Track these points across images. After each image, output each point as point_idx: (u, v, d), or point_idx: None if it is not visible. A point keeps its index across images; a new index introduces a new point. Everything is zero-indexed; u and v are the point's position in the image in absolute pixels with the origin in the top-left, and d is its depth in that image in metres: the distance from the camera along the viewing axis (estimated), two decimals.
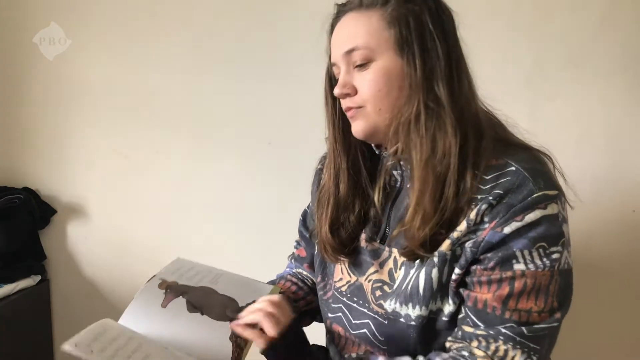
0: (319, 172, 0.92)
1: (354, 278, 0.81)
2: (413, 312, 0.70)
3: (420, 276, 0.70)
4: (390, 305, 0.73)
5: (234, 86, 1.56)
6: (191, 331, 0.78)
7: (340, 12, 0.75)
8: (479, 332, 0.67)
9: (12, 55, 1.65)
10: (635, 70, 1.32)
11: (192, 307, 0.80)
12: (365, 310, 0.77)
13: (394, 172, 0.78)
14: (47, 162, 1.69)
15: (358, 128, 0.74)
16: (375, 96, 0.71)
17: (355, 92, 0.73)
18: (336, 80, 0.76)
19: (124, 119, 1.63)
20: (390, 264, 0.75)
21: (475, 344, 0.67)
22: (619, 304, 1.41)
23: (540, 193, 0.65)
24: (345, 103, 0.75)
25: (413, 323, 0.71)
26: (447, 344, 0.71)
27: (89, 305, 1.73)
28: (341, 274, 0.83)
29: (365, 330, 0.77)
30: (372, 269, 0.77)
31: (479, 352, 0.66)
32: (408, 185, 0.74)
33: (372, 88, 0.71)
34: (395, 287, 0.73)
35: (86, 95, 1.64)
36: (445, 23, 0.71)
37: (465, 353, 0.67)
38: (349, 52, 0.72)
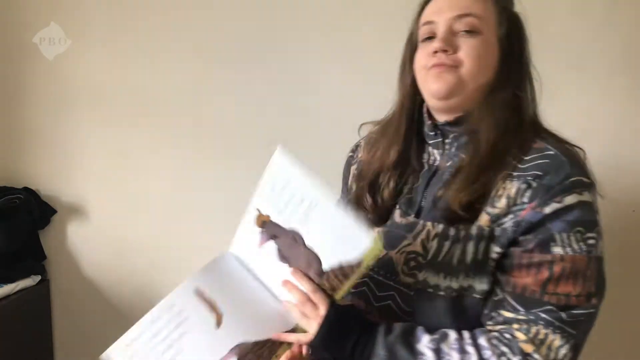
0: (349, 159, 0.97)
1: (383, 252, 0.81)
2: (443, 282, 0.72)
3: (454, 248, 0.72)
4: (422, 274, 0.74)
5: (234, 86, 1.56)
6: (278, 281, 0.77)
7: None
8: (519, 316, 0.69)
9: (12, 55, 1.65)
10: (636, 70, 1.32)
11: (282, 256, 0.78)
12: (391, 282, 0.78)
13: (435, 152, 0.83)
14: (47, 162, 1.69)
15: (443, 84, 0.76)
16: (474, 61, 0.75)
17: (455, 51, 0.76)
18: (427, 39, 0.79)
19: (124, 119, 1.63)
20: (423, 235, 0.77)
21: (516, 326, 0.68)
22: (619, 304, 1.41)
23: (577, 178, 0.68)
24: (439, 58, 0.76)
25: (442, 293, 0.72)
26: (488, 327, 0.72)
27: (89, 305, 1.73)
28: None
29: (389, 302, 0.78)
30: (405, 242, 0.79)
31: (520, 335, 0.67)
32: (448, 164, 0.80)
33: (475, 53, 0.75)
34: (429, 257, 0.75)
35: (86, 95, 1.64)
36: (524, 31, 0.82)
37: (508, 335, 0.69)
38: (461, 17, 0.76)
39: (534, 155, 0.71)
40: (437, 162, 0.82)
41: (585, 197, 0.68)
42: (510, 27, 0.79)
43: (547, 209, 0.67)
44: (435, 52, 0.76)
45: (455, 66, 0.76)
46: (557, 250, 0.67)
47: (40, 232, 1.70)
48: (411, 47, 0.85)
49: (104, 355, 0.72)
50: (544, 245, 0.68)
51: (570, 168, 0.68)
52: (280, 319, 0.77)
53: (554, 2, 1.32)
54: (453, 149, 0.81)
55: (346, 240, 0.71)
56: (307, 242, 0.75)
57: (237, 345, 0.73)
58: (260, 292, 0.80)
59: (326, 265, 0.74)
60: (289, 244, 0.77)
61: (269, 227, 0.79)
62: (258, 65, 1.54)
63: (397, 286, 0.78)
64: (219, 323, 0.74)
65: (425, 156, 0.85)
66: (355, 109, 1.48)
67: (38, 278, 1.65)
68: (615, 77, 1.31)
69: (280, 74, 1.53)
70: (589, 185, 0.69)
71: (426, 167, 0.84)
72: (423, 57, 0.80)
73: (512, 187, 0.70)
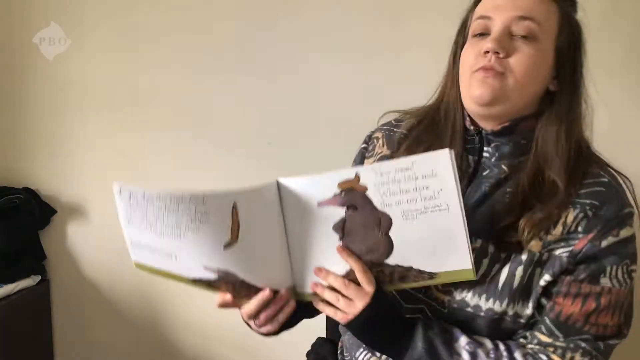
0: (363, 151, 0.91)
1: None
2: (485, 304, 0.70)
3: (502, 271, 0.70)
4: (460, 293, 0.72)
5: (234, 86, 1.55)
6: (310, 243, 0.73)
7: None
8: (557, 343, 0.69)
9: (12, 55, 1.65)
10: (636, 70, 1.32)
11: (342, 228, 0.72)
12: (421, 295, 0.75)
13: (470, 157, 0.78)
14: (47, 162, 1.69)
15: (486, 90, 0.70)
16: (526, 70, 0.70)
17: (508, 55, 0.70)
18: (478, 35, 0.74)
19: (124, 119, 1.63)
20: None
21: (551, 349, 0.69)
22: None
23: (629, 209, 0.69)
24: (489, 61, 0.70)
25: (482, 314, 0.71)
26: (522, 340, 0.72)
27: (89, 305, 1.73)
28: None
29: (419, 315, 0.75)
30: None
31: (556, 358, 0.68)
32: (485, 173, 0.76)
33: (529, 61, 0.70)
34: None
35: (86, 95, 1.64)
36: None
37: (544, 357, 0.68)
38: (521, 19, 0.70)
39: (589, 181, 0.70)
40: (471, 169, 0.78)
41: (634, 228, 0.69)
42: (570, 37, 0.74)
43: (604, 243, 0.67)
44: (487, 52, 0.70)
45: (503, 73, 0.70)
46: (605, 282, 0.68)
47: (40, 232, 1.70)
48: (462, 40, 0.79)
49: (118, 183, 0.73)
50: (595, 277, 0.68)
51: (624, 198, 0.69)
52: (277, 276, 0.75)
53: None
54: (493, 159, 0.76)
55: (446, 253, 0.69)
56: (391, 231, 0.70)
57: (226, 272, 0.71)
58: (279, 240, 0.75)
59: (398, 262, 0.70)
60: (364, 222, 0.71)
61: (353, 195, 0.71)
62: (258, 65, 1.53)
63: (428, 300, 0.75)
64: (228, 245, 0.70)
65: (458, 159, 0.78)
66: (355, 109, 1.49)
67: (38, 278, 1.65)
68: (615, 76, 1.31)
69: (280, 74, 1.53)
70: (633, 215, 0.70)
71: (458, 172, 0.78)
72: (472, 56, 0.74)
73: (569, 215, 0.68)
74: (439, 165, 0.66)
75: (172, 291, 1.64)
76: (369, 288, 0.69)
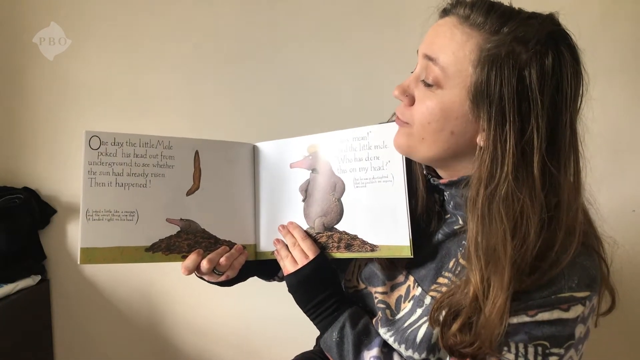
0: None
1: (362, 286, 0.80)
2: (406, 352, 0.68)
3: (422, 327, 0.67)
4: (385, 335, 0.72)
5: (233, 86, 1.56)
6: (277, 202, 0.79)
7: (449, 9, 0.63)
8: None
9: (12, 55, 1.65)
10: (635, 69, 1.32)
11: (305, 190, 0.79)
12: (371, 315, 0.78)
13: (436, 195, 0.73)
14: (47, 162, 1.69)
15: (397, 141, 0.68)
16: (424, 126, 0.62)
17: (411, 104, 0.64)
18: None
19: (123, 119, 1.63)
20: (402, 290, 0.73)
21: None
22: (619, 305, 1.41)
23: (567, 294, 0.57)
24: (398, 108, 0.67)
25: (404, 356, 0.70)
26: None
27: (89, 305, 1.73)
28: (351, 275, 0.83)
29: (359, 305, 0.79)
30: (381, 289, 0.75)
31: None
32: (446, 216, 0.71)
33: (424, 116, 0.62)
34: (397, 318, 0.72)
35: (86, 96, 1.64)
36: (562, 88, 0.56)
37: None
38: (427, 58, 0.62)
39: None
40: (437, 207, 0.73)
41: (572, 313, 0.58)
42: (501, 78, 0.55)
43: (514, 319, 0.59)
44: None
45: (407, 123, 0.65)
46: (509, 357, 0.60)
47: (40, 232, 1.70)
48: None
49: (89, 131, 0.75)
50: (499, 347, 0.60)
51: (565, 281, 0.58)
52: (241, 231, 0.80)
53: (553, 2, 1.32)
54: (450, 206, 0.71)
55: (388, 226, 0.71)
56: (343, 197, 0.75)
57: (189, 221, 0.76)
58: (245, 197, 0.81)
59: (346, 228, 0.75)
60: (323, 185, 0.77)
61: (317, 159, 0.78)
62: (258, 65, 1.54)
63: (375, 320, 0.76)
64: (189, 193, 0.76)
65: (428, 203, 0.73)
66: (355, 109, 1.49)
67: (38, 278, 1.65)
68: (614, 76, 1.31)
69: (280, 74, 1.53)
70: (582, 299, 0.59)
71: (437, 208, 0.73)
72: None
73: None
74: (390, 137, 0.70)
75: (172, 291, 1.64)
76: (311, 254, 0.75)
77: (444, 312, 0.61)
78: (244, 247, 0.80)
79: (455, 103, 0.59)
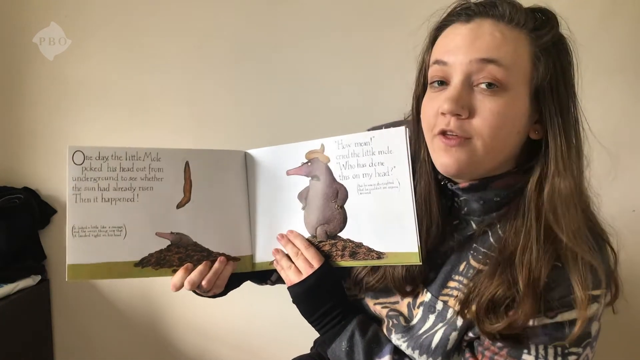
0: None
1: (363, 294, 0.80)
2: (420, 358, 0.69)
3: (437, 332, 0.68)
4: (399, 341, 0.72)
5: (234, 86, 1.55)
6: (274, 211, 0.76)
7: (473, 12, 0.61)
8: None
9: (12, 55, 1.65)
10: (635, 69, 1.32)
11: (305, 197, 0.75)
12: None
13: (443, 200, 0.71)
14: (47, 162, 1.69)
15: (451, 161, 0.61)
16: (495, 133, 0.58)
17: (470, 115, 0.59)
18: (437, 83, 0.62)
19: (123, 119, 1.63)
20: (410, 296, 0.73)
21: None
22: (619, 304, 1.41)
23: (585, 293, 0.59)
24: (448, 125, 0.60)
25: None
26: None
27: (89, 305, 1.73)
28: (352, 283, 0.82)
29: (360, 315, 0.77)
30: (393, 298, 0.76)
31: None
32: (455, 222, 0.70)
33: (494, 122, 0.58)
34: (412, 325, 0.72)
35: (86, 96, 1.64)
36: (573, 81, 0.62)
37: None
38: (484, 62, 0.58)
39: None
40: (446, 212, 0.71)
41: (588, 311, 0.60)
42: (551, 71, 0.59)
43: (536, 322, 0.61)
44: (444, 113, 0.60)
45: (468, 138, 0.60)
46: (528, 358, 0.61)
47: (40, 232, 1.70)
48: (421, 89, 0.69)
49: (72, 146, 0.70)
50: (516, 349, 0.62)
51: (579, 281, 0.60)
52: (236, 242, 0.77)
53: (553, 2, 1.32)
54: (462, 212, 0.70)
55: (395, 232, 0.70)
56: (346, 205, 0.73)
57: (180, 234, 0.73)
58: (239, 207, 0.78)
59: (350, 236, 0.73)
60: (324, 192, 0.74)
61: (317, 165, 0.75)
62: (258, 65, 1.54)
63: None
64: (180, 205, 0.73)
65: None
66: (355, 109, 1.49)
67: (38, 278, 1.65)
68: (614, 75, 1.31)
69: (280, 74, 1.53)
70: (597, 297, 0.61)
71: (448, 210, 0.72)
72: (430, 113, 0.63)
73: None
74: (394, 143, 0.69)
75: (172, 291, 1.64)
76: (316, 263, 0.72)
77: (473, 307, 0.62)
78: (239, 258, 0.77)
79: (520, 101, 0.60)
